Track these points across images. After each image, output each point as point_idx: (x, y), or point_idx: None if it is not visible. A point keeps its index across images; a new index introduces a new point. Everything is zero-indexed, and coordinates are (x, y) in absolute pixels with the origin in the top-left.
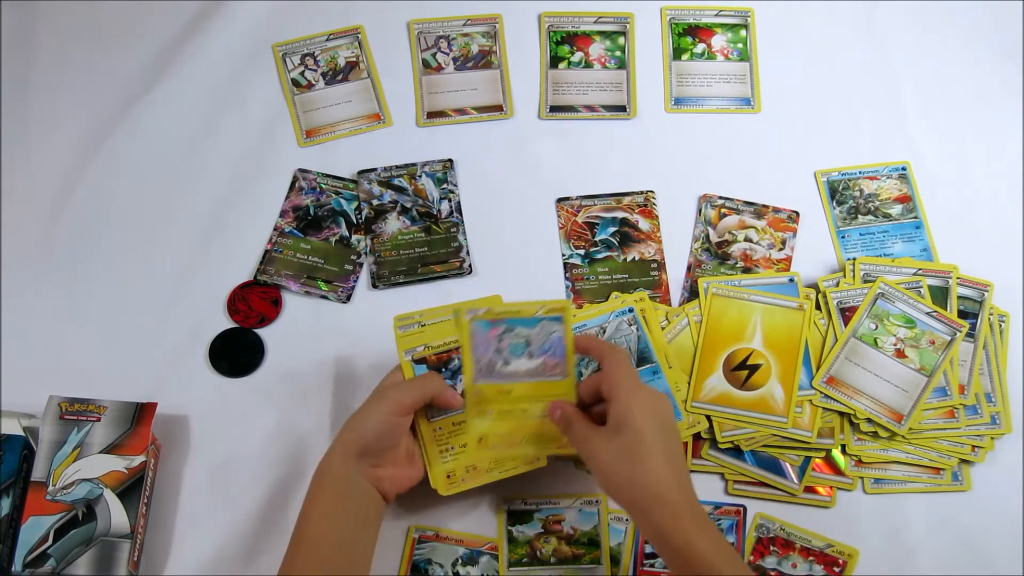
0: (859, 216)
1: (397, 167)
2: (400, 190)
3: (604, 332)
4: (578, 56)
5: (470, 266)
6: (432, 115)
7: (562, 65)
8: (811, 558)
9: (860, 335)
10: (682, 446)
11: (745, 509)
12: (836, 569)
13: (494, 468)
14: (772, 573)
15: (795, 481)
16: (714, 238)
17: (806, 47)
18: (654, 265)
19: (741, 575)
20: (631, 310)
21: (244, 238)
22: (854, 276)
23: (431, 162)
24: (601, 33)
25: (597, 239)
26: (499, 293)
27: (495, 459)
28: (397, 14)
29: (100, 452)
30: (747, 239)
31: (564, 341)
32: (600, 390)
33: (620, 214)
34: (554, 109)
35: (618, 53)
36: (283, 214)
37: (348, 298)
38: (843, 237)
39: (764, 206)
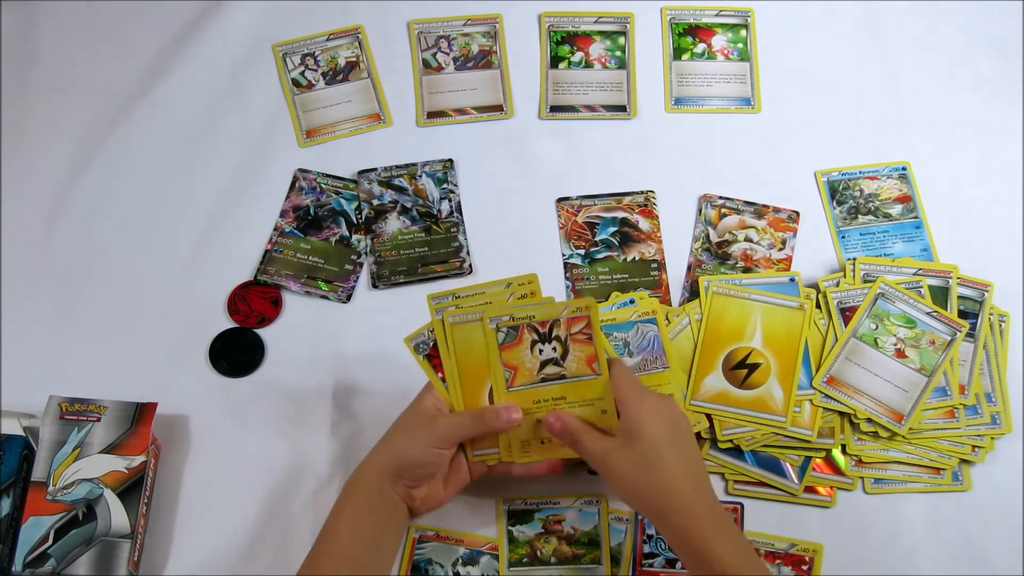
0: (859, 216)
1: (397, 167)
2: (400, 190)
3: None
4: (578, 56)
5: (470, 266)
6: (432, 115)
7: (562, 65)
8: (778, 561)
9: (860, 335)
10: (697, 448)
11: (742, 507)
12: (804, 567)
13: (564, 447)
14: None
15: (795, 481)
16: (714, 238)
17: (806, 47)
18: (654, 265)
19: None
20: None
21: (244, 238)
22: (854, 276)
23: (431, 162)
24: (601, 33)
25: (597, 239)
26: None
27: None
28: (397, 14)
29: (100, 452)
30: (747, 239)
31: (660, 339)
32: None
33: (620, 214)
34: (554, 109)
35: (618, 53)
36: (283, 214)
37: (348, 298)
38: (843, 237)
39: (764, 206)
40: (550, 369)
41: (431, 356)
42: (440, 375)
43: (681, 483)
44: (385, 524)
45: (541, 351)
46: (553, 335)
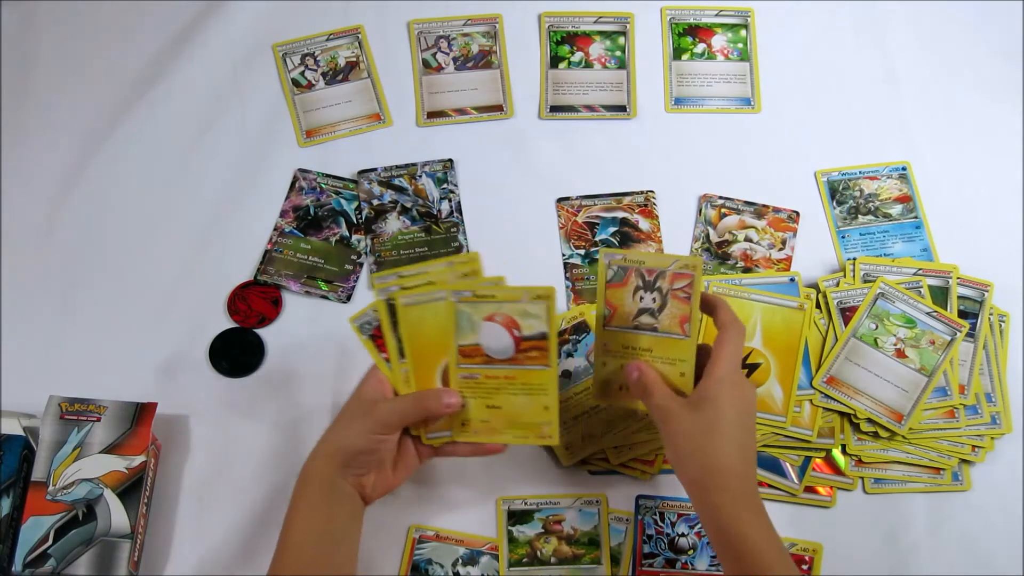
0: (859, 216)
1: (397, 167)
2: (400, 190)
3: None
4: (578, 56)
5: None
6: (432, 115)
7: (562, 65)
8: None
9: (860, 335)
10: (755, 441)
11: None
12: (804, 567)
13: (507, 431)
14: None
15: (795, 481)
16: (714, 238)
17: (806, 47)
18: None
19: (790, 574)
20: None
21: (244, 238)
22: (854, 276)
23: (431, 162)
24: (601, 33)
25: (597, 239)
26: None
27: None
28: (397, 14)
29: (100, 452)
30: (747, 239)
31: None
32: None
33: (620, 214)
34: (554, 109)
35: (618, 53)
36: (283, 214)
37: (348, 298)
38: (843, 237)
39: (764, 206)
40: (644, 319)
41: (375, 336)
42: (384, 356)
43: (730, 464)
44: (340, 514)
45: (642, 298)
46: (656, 285)
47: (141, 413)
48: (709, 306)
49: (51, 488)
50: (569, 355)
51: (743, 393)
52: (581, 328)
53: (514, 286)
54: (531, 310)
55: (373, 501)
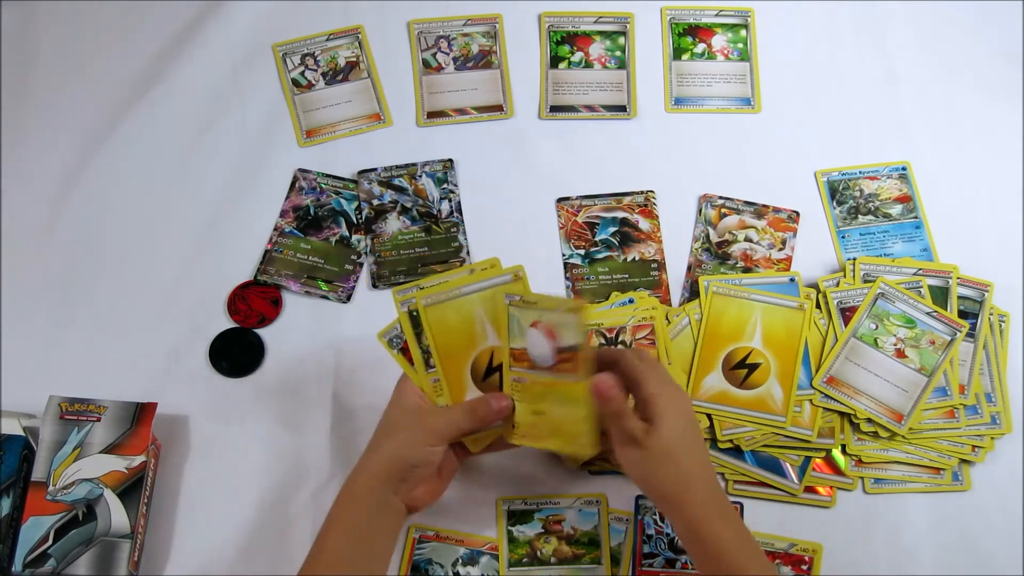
0: (859, 216)
1: (397, 167)
2: (400, 190)
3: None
4: (578, 56)
5: None
6: (432, 115)
7: (562, 65)
8: (777, 561)
9: (860, 335)
10: (703, 441)
11: (742, 506)
12: (804, 567)
13: (549, 439)
14: None
15: (795, 481)
16: (714, 238)
17: (806, 47)
18: (654, 265)
19: (767, 574)
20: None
21: (244, 238)
22: (854, 276)
23: (431, 162)
24: (601, 33)
25: (597, 239)
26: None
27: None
28: (397, 14)
29: (100, 452)
30: (747, 239)
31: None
32: (626, 384)
33: (620, 214)
34: (554, 109)
35: (618, 53)
36: (283, 214)
37: (348, 298)
38: (843, 237)
39: (764, 206)
40: None
41: (405, 350)
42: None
43: (696, 477)
44: (383, 530)
45: None
46: (619, 340)
47: (141, 413)
48: (608, 362)
49: (51, 488)
50: None
51: (682, 404)
52: None
53: (552, 296)
54: (566, 321)
55: (420, 511)
